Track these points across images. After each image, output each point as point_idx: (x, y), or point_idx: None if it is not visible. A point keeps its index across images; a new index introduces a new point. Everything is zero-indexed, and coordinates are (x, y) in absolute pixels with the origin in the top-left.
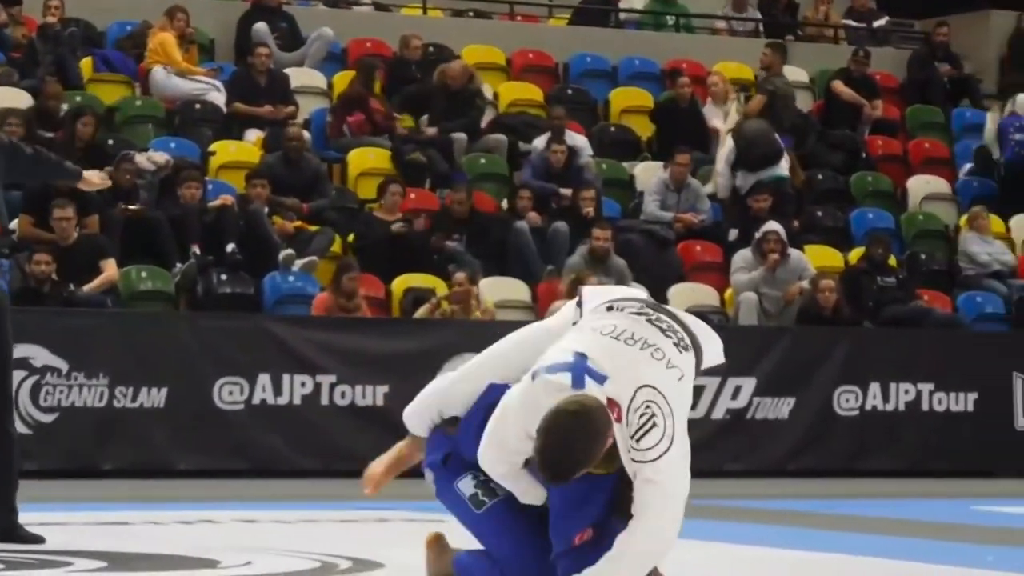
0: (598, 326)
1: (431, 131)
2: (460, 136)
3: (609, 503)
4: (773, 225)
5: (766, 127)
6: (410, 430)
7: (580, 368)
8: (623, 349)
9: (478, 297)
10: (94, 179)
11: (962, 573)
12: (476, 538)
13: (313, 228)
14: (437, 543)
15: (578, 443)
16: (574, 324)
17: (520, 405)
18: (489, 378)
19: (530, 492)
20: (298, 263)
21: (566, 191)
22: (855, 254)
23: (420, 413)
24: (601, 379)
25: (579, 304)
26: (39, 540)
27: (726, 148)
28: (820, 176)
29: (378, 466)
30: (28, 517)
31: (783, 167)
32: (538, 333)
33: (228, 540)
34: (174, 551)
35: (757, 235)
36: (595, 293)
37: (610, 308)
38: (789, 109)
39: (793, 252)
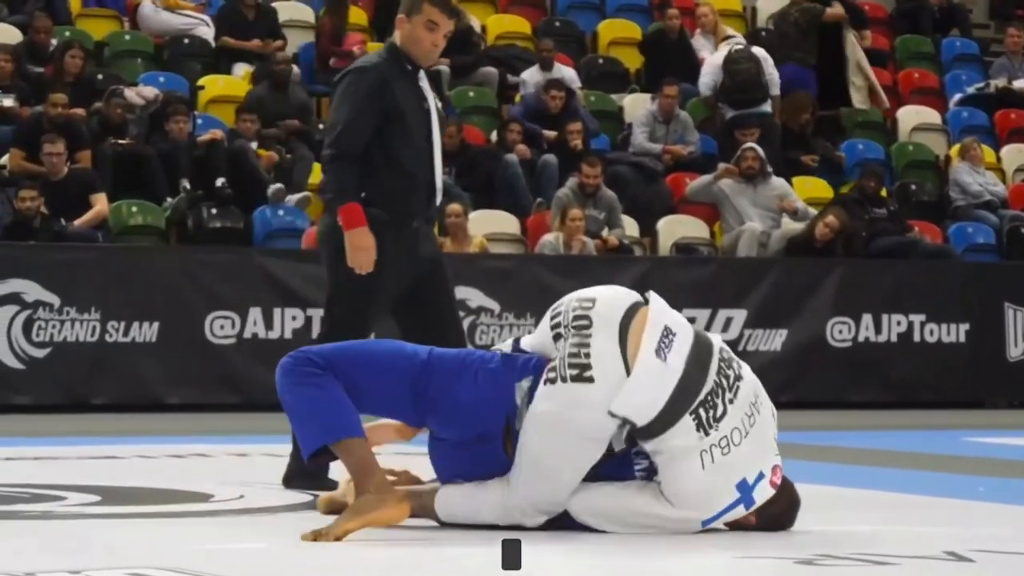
0: None
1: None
2: (447, 69)
3: None
4: (752, 144)
5: (755, 71)
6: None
7: None
8: None
9: (466, 230)
10: None
11: (953, 504)
12: None
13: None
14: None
15: None
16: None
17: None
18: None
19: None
20: (291, 198)
21: (551, 132)
22: (846, 186)
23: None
24: None
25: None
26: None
27: (709, 78)
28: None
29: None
30: (21, 451)
31: (767, 104)
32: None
33: (220, 474)
34: (166, 485)
35: (737, 153)
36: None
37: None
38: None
39: (774, 178)
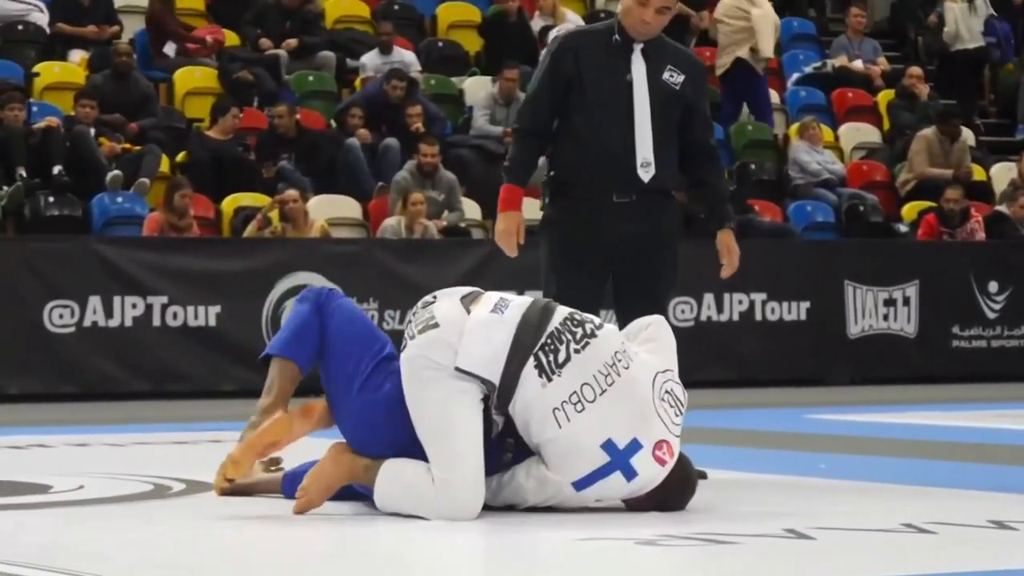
0: None
1: (277, 50)
2: (284, 53)
3: None
4: None
5: None
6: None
7: None
8: None
9: (306, 213)
10: None
11: (794, 481)
12: None
13: (139, 148)
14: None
15: None
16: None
17: None
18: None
19: None
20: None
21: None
22: None
23: None
24: None
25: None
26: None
27: None
28: None
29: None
30: None
31: None
32: None
33: (60, 464)
34: (5, 476)
35: None
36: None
37: None
38: None
39: None
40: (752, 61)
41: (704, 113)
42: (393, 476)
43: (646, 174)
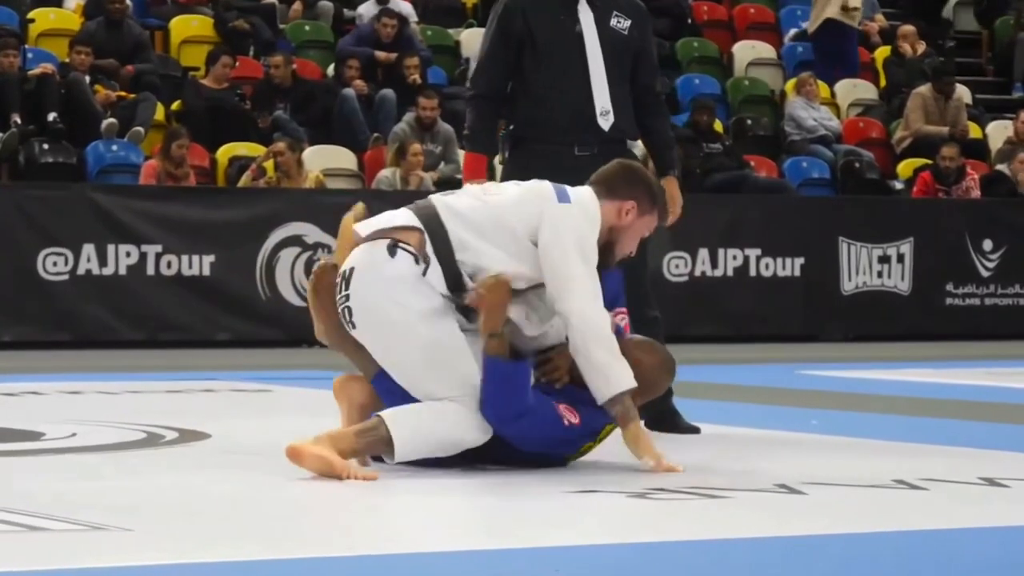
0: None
1: None
2: (279, 3)
3: None
4: None
5: None
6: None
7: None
8: None
9: (301, 164)
10: None
11: (786, 437)
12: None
13: (134, 96)
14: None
15: None
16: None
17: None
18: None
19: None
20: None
21: (383, 54)
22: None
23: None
24: None
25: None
26: (695, 431)
27: None
28: None
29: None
30: None
31: None
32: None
33: (53, 412)
34: None
35: None
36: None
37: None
38: None
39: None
40: (843, 18)
41: (650, 58)
42: (409, 421)
43: (606, 122)
